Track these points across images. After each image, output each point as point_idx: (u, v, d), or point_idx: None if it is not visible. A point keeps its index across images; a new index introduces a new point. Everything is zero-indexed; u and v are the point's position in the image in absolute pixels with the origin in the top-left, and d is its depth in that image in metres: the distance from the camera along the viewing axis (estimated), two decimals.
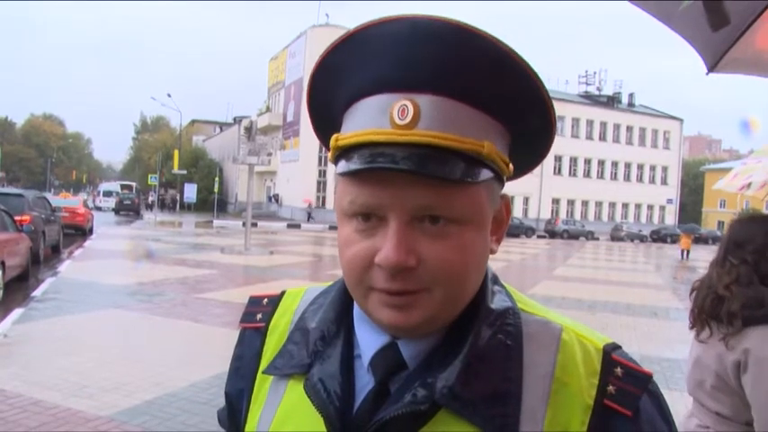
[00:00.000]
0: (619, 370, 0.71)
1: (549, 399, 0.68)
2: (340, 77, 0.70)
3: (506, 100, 0.68)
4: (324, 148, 0.87)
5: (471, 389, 0.67)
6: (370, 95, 0.67)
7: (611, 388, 0.70)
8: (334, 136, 0.70)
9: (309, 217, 45.45)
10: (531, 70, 0.66)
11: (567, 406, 0.68)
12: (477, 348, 0.69)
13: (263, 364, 0.83)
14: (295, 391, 0.76)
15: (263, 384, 0.81)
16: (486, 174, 0.67)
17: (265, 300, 0.91)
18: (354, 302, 0.78)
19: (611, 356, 0.72)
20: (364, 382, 0.73)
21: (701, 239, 49.38)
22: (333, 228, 36.44)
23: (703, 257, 27.32)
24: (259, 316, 0.89)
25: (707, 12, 1.71)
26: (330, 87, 0.72)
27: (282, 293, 0.91)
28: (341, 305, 0.79)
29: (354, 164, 0.65)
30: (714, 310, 1.95)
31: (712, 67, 2.15)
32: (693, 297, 2.09)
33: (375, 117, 0.66)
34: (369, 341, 0.74)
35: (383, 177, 0.64)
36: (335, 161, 0.71)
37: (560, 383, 0.69)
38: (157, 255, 17.56)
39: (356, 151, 0.66)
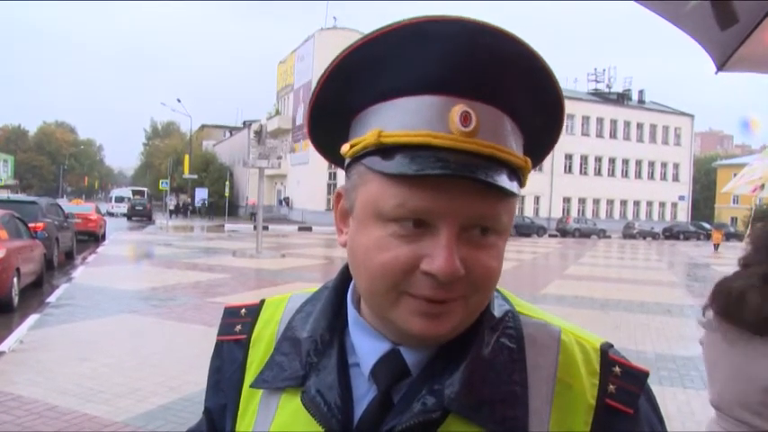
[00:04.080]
0: (617, 369, 0.72)
1: (552, 400, 0.69)
2: (376, 71, 0.66)
3: (537, 117, 0.69)
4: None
5: (479, 393, 0.66)
6: (419, 94, 0.64)
7: (611, 387, 0.70)
8: (376, 131, 0.65)
9: (252, 216, 45.35)
10: (561, 91, 0.68)
11: (570, 406, 0.69)
12: (481, 353, 0.69)
13: (249, 377, 0.80)
14: (290, 405, 0.74)
15: (252, 399, 0.79)
16: (519, 187, 0.68)
17: (243, 310, 0.87)
18: (349, 308, 0.76)
19: (608, 356, 0.73)
20: (363, 391, 0.72)
21: (731, 235, 50.72)
22: None
23: (722, 253, 27.11)
24: (238, 327, 0.85)
25: (715, 11, 1.70)
26: (356, 81, 0.68)
27: (262, 302, 0.88)
28: (332, 312, 0.77)
29: (416, 165, 0.62)
30: (741, 312, 1.81)
31: (721, 65, 2.14)
32: (721, 299, 1.91)
33: (431, 119, 0.63)
34: (368, 349, 0.72)
35: (441, 183, 0.61)
36: (360, 157, 0.67)
37: (563, 385, 0.70)
38: (170, 259, 17.65)
39: (407, 151, 0.63)
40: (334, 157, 0.76)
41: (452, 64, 0.63)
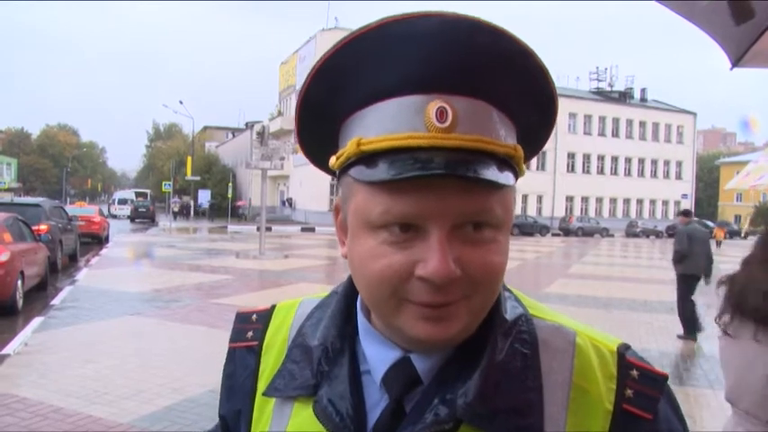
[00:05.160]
0: (635, 372, 0.70)
1: (568, 405, 0.67)
2: (350, 78, 0.64)
3: (528, 106, 0.67)
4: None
5: (493, 402, 0.65)
6: (394, 96, 0.63)
7: (629, 392, 0.68)
8: (355, 140, 0.64)
9: (243, 217, 46.88)
10: (551, 78, 0.66)
11: (587, 412, 0.67)
12: (494, 360, 0.66)
13: (262, 385, 0.79)
14: (302, 414, 0.73)
15: (265, 407, 0.78)
16: (514, 177, 0.66)
17: (254, 316, 0.86)
18: (358, 316, 0.75)
19: (625, 359, 0.71)
20: (375, 400, 0.71)
21: (734, 233, 51.61)
22: None
23: (725, 251, 27.00)
24: (250, 333, 0.84)
25: (730, 6, 1.69)
26: (335, 89, 0.66)
27: (273, 307, 0.87)
28: (342, 319, 0.76)
29: (393, 170, 0.60)
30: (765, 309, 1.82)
31: (736, 61, 2.12)
32: (726, 294, 1.96)
33: (407, 119, 0.61)
34: (379, 357, 0.71)
35: (424, 184, 0.60)
36: (346, 168, 0.66)
37: (579, 390, 0.68)
38: (173, 261, 17.67)
39: (386, 156, 0.62)
40: (328, 169, 0.74)
41: (424, 60, 0.61)
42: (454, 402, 0.65)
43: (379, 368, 0.71)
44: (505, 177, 0.63)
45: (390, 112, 0.63)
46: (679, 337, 8.90)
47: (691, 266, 8.83)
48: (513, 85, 0.64)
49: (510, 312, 0.71)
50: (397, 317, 0.64)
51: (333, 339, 0.74)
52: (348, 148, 0.65)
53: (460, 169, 0.59)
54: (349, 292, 0.79)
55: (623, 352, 0.72)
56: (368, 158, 0.63)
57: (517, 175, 0.67)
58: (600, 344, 0.72)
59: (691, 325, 8.74)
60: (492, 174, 0.61)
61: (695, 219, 9.78)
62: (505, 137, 0.65)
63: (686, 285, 8.89)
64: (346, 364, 0.72)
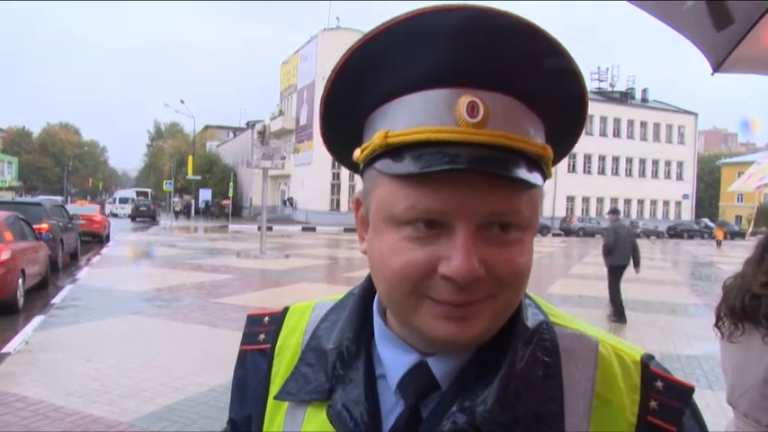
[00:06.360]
0: (659, 383, 0.68)
1: (590, 417, 0.65)
2: (379, 70, 0.63)
3: (559, 105, 0.65)
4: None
5: (513, 411, 0.63)
6: (422, 90, 0.61)
7: (653, 403, 0.67)
8: (382, 132, 0.62)
9: (228, 216, 46.90)
10: (583, 80, 0.64)
11: (609, 423, 0.66)
12: (514, 367, 0.65)
13: (274, 388, 0.77)
14: (316, 419, 0.71)
15: (277, 411, 0.76)
16: (542, 177, 0.64)
17: (266, 318, 0.84)
18: (374, 318, 0.74)
19: (649, 369, 0.69)
20: (391, 405, 0.69)
21: (735, 234, 52.35)
22: (348, 230, 36.47)
23: (726, 251, 26.97)
24: (262, 336, 0.82)
25: (710, 12, 1.69)
26: (361, 83, 0.65)
27: (285, 310, 0.85)
28: (358, 322, 0.74)
29: (421, 163, 0.59)
30: (750, 309, 1.85)
31: (717, 66, 2.12)
32: (724, 295, 1.99)
33: (437, 113, 0.60)
34: (395, 361, 0.69)
35: (452, 180, 0.58)
36: (371, 161, 0.65)
37: (602, 400, 0.66)
38: (174, 260, 17.68)
39: (413, 150, 0.60)
40: (350, 164, 0.73)
41: (458, 53, 0.59)
42: (473, 410, 0.63)
43: (394, 373, 0.69)
44: (534, 177, 0.61)
45: (419, 105, 0.61)
46: (609, 316, 10.25)
47: (617, 258, 10.30)
48: (544, 84, 0.63)
49: (531, 319, 0.70)
50: (416, 315, 0.63)
51: (348, 342, 0.73)
52: (374, 140, 0.63)
53: (490, 166, 0.58)
54: (366, 294, 0.77)
55: (647, 362, 0.70)
56: (394, 151, 0.61)
57: (545, 175, 0.65)
58: (623, 353, 0.70)
59: (618, 309, 10.14)
60: (521, 173, 0.59)
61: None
62: (535, 136, 0.63)
63: (615, 275, 10.38)
64: (362, 368, 0.70)
